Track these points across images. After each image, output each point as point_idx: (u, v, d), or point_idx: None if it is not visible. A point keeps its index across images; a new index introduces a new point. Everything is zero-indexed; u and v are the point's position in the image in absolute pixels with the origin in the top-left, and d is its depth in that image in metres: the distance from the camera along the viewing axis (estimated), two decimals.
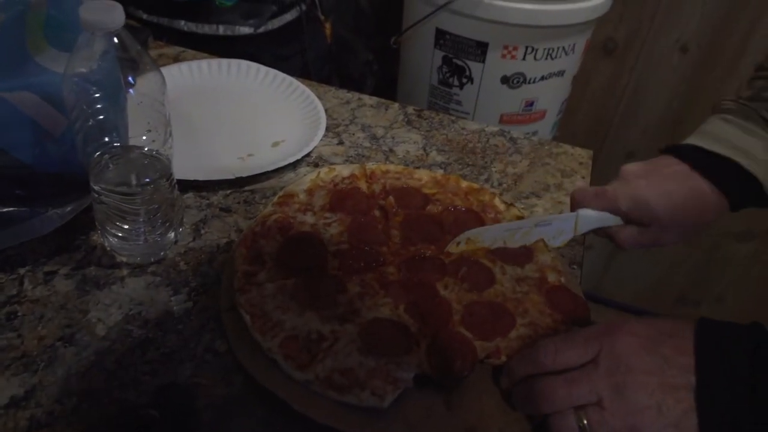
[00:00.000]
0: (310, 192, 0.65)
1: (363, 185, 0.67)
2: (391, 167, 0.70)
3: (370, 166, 0.70)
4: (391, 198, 0.65)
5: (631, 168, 0.60)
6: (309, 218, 0.62)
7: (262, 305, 0.53)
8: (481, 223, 0.64)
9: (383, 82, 1.36)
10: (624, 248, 0.61)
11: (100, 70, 0.49)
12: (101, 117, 0.51)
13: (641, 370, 0.41)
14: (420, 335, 0.52)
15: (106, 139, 0.53)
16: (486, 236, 0.61)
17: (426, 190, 0.67)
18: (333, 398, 0.46)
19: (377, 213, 0.64)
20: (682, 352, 0.41)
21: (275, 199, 0.64)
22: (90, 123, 0.51)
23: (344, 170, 0.68)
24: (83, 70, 0.49)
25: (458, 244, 0.61)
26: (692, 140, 0.59)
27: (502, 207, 0.66)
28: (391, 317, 0.53)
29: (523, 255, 0.61)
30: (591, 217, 0.60)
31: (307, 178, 0.67)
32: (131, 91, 0.50)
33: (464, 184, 0.68)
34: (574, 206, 0.61)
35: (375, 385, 0.47)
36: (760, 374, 0.38)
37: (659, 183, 0.57)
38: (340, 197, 0.65)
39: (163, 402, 0.38)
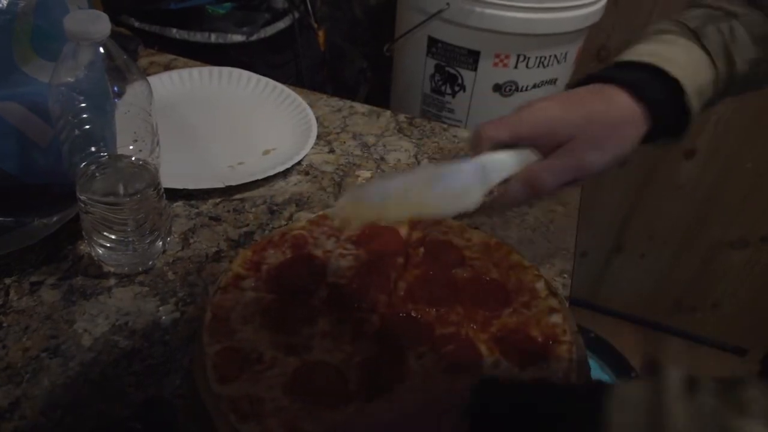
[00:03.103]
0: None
1: (404, 229, 0.62)
2: (447, 221, 0.63)
3: None
4: (421, 249, 0.60)
5: (535, 97, 0.54)
6: (329, 244, 0.59)
7: (229, 310, 0.52)
8: (506, 302, 0.56)
9: (377, 89, 1.36)
10: (546, 191, 0.50)
11: (87, 80, 0.49)
12: (88, 127, 0.51)
13: None
14: (355, 396, 0.48)
15: (93, 148, 0.53)
16: (371, 194, 0.51)
17: (467, 252, 0.60)
18: (231, 422, 0.44)
19: (401, 260, 0.59)
20: None
21: (313, 216, 0.62)
22: (76, 133, 0.51)
23: None
24: (69, 79, 0.49)
25: (342, 208, 0.52)
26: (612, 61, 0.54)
27: (543, 293, 0.57)
28: (339, 366, 0.49)
29: (538, 355, 0.52)
30: (497, 160, 0.50)
31: None
32: (117, 100, 0.50)
33: (515, 257, 0.60)
34: (475, 151, 0.51)
35: (270, 425, 0.44)
36: None
37: (567, 98, 0.51)
38: (372, 234, 0.61)
39: (147, 415, 0.37)
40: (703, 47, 0.52)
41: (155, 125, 0.53)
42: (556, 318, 0.54)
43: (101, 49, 0.47)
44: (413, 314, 0.54)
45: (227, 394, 0.46)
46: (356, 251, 0.60)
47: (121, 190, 0.54)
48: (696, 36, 0.53)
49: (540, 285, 0.57)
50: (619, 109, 0.50)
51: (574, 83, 0.54)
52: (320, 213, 0.63)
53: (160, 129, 0.54)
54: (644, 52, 0.52)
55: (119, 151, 0.53)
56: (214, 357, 0.48)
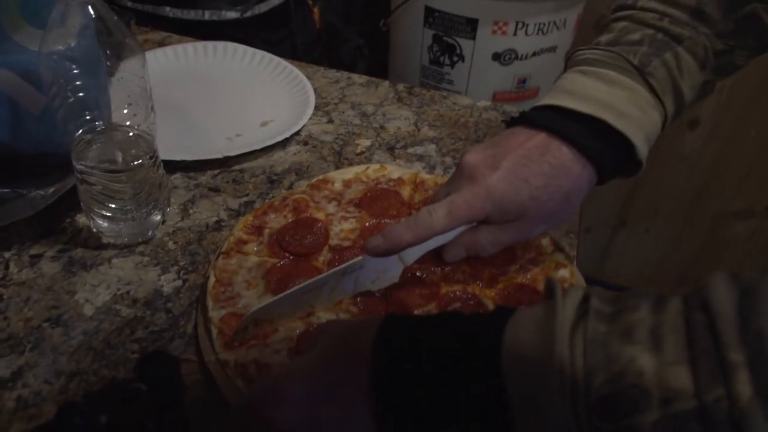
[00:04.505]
0: (347, 183, 0.62)
1: (406, 192, 0.62)
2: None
3: (424, 175, 0.65)
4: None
5: (473, 159, 0.48)
6: (331, 208, 0.59)
7: (233, 274, 0.52)
8: (512, 260, 0.55)
9: (374, 67, 1.35)
10: (484, 255, 0.50)
11: (79, 47, 0.48)
12: (81, 94, 0.50)
13: None
14: None
15: (88, 116, 0.52)
16: (280, 309, 0.48)
17: None
18: (239, 388, 0.44)
19: None
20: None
21: (312, 180, 0.62)
22: (71, 100, 0.50)
23: (395, 172, 0.64)
24: (60, 47, 0.48)
25: (240, 331, 0.47)
26: (546, 100, 0.48)
27: (549, 249, 0.57)
28: None
29: None
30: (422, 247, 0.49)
31: (352, 168, 0.64)
32: (109, 63, 0.49)
33: None
34: (398, 248, 0.48)
35: None
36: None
37: (513, 171, 0.46)
38: (375, 196, 0.61)
39: (149, 373, 0.37)
40: (651, 87, 0.48)
41: (149, 89, 0.52)
42: (563, 272, 0.53)
43: (91, 10, 0.46)
44: (418, 274, 0.53)
45: (234, 360, 0.45)
46: (358, 214, 0.59)
47: (118, 158, 0.53)
48: (640, 74, 0.48)
49: (546, 241, 0.57)
50: (570, 179, 0.47)
51: (511, 121, 0.50)
52: (320, 177, 0.62)
53: (156, 104, 0.53)
54: (591, 95, 0.47)
55: (114, 116, 0.52)
56: (219, 323, 0.48)
